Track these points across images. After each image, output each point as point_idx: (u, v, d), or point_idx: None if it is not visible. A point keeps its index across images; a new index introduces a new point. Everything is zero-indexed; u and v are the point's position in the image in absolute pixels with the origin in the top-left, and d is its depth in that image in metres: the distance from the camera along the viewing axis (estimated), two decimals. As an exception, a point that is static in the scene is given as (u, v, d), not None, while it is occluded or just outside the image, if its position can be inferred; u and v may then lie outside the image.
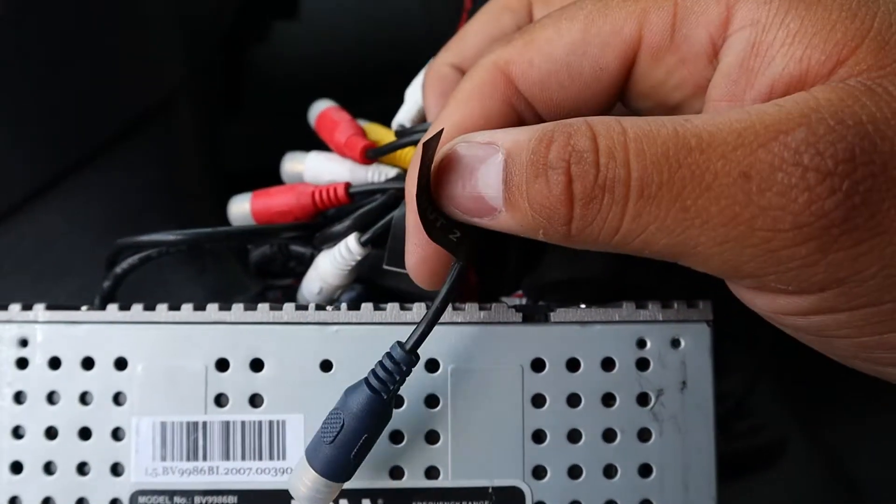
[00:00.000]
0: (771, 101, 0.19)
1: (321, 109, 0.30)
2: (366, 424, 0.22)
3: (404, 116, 0.29)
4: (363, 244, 0.26)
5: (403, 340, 0.22)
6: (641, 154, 0.18)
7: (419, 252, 0.23)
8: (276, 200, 0.28)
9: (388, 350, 0.22)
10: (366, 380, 0.22)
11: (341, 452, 0.22)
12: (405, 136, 0.27)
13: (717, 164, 0.18)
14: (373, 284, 0.28)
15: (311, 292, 0.27)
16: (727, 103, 0.20)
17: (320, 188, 0.27)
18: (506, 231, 0.20)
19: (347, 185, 0.27)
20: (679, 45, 0.21)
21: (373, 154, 0.28)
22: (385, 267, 0.25)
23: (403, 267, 0.23)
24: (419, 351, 0.22)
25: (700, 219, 0.18)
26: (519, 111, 0.23)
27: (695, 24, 0.21)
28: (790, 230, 0.18)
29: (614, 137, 0.18)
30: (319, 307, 0.25)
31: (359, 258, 0.26)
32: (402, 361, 0.22)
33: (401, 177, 0.28)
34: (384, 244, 0.26)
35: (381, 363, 0.22)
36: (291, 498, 0.24)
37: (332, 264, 0.27)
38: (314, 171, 0.29)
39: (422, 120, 0.29)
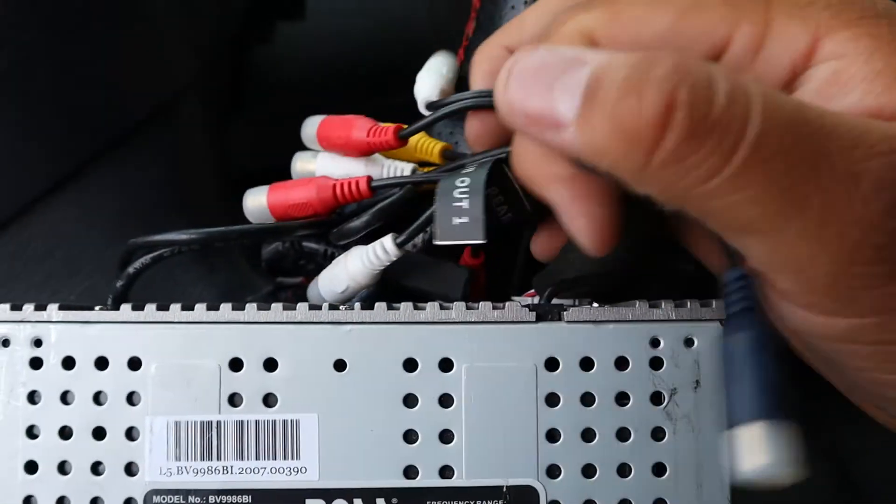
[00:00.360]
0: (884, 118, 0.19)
1: (320, 120, 0.30)
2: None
3: (430, 91, 0.28)
4: (399, 245, 0.26)
5: None
6: (768, 111, 0.17)
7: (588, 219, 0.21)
8: (294, 194, 0.28)
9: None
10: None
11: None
12: (438, 109, 0.26)
13: (835, 155, 0.17)
14: (386, 284, 0.28)
15: (332, 291, 0.27)
16: None
17: (342, 181, 0.27)
18: (564, 152, 0.18)
19: (369, 179, 0.27)
20: (761, 62, 0.21)
21: (407, 133, 0.27)
22: (435, 243, 0.24)
23: (457, 238, 0.23)
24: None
25: (799, 204, 0.17)
26: None
27: (782, 46, 0.20)
28: (876, 247, 0.17)
29: (740, 84, 0.17)
30: (333, 307, 0.25)
31: (394, 258, 0.26)
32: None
33: (418, 171, 0.27)
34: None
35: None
36: (306, 497, 0.24)
37: (363, 264, 0.26)
38: (326, 170, 0.29)
39: (447, 93, 0.28)
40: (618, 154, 0.17)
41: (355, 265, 0.27)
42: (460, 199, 0.23)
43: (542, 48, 0.19)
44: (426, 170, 0.28)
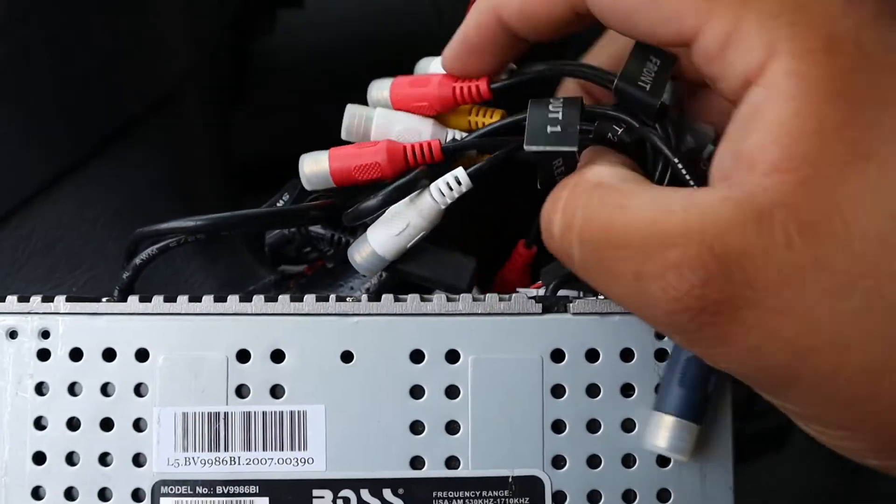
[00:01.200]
0: (694, 200, 0.21)
1: (391, 81, 0.28)
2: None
3: None
4: (471, 176, 0.26)
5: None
6: (581, 243, 0.22)
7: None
8: (363, 157, 0.26)
9: None
10: None
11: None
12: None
13: (623, 264, 0.21)
14: (392, 272, 0.27)
15: (387, 234, 0.26)
16: (724, 163, 0.22)
17: (412, 144, 0.26)
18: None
19: (440, 143, 0.26)
20: (725, 63, 0.21)
21: (498, 86, 0.26)
22: (526, 147, 0.24)
23: (548, 144, 0.24)
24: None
25: (618, 297, 0.22)
26: None
27: (741, 55, 0.21)
28: (663, 326, 0.23)
29: (569, 216, 0.22)
30: (340, 298, 0.25)
31: (464, 191, 0.26)
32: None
33: (491, 132, 0.26)
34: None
35: None
36: (313, 488, 0.25)
37: (432, 199, 0.26)
38: (383, 129, 0.27)
39: None
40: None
41: (424, 201, 0.26)
42: (555, 111, 0.25)
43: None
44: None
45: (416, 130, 0.27)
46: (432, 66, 0.28)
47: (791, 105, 0.20)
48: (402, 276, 0.27)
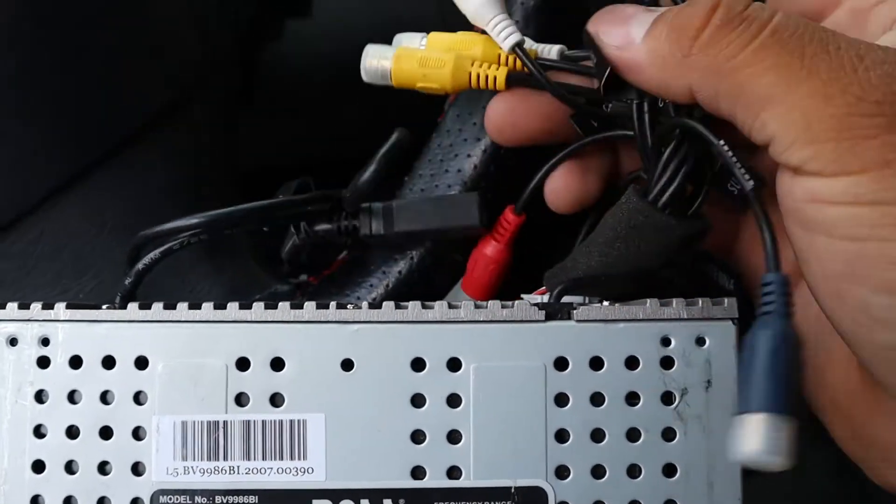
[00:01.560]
0: None
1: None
2: (789, 354, 0.21)
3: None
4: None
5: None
6: (787, 12, 0.22)
7: None
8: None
9: (762, 280, 0.22)
10: (773, 316, 0.21)
11: (787, 385, 0.21)
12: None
13: (842, 41, 0.21)
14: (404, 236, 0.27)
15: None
16: None
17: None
18: (626, 69, 0.25)
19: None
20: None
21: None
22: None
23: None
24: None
25: (809, 69, 0.21)
26: None
27: None
28: (875, 103, 0.21)
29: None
30: (340, 305, 0.25)
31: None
32: (786, 282, 0.21)
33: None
34: None
35: (766, 290, 0.21)
36: (312, 498, 0.24)
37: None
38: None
39: None
40: (669, 48, 0.23)
41: None
42: None
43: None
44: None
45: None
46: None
47: None
48: (415, 239, 0.26)
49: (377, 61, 0.27)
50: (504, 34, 0.26)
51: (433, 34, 0.28)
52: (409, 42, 0.28)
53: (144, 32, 0.36)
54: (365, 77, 0.28)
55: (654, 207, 0.25)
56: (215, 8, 0.42)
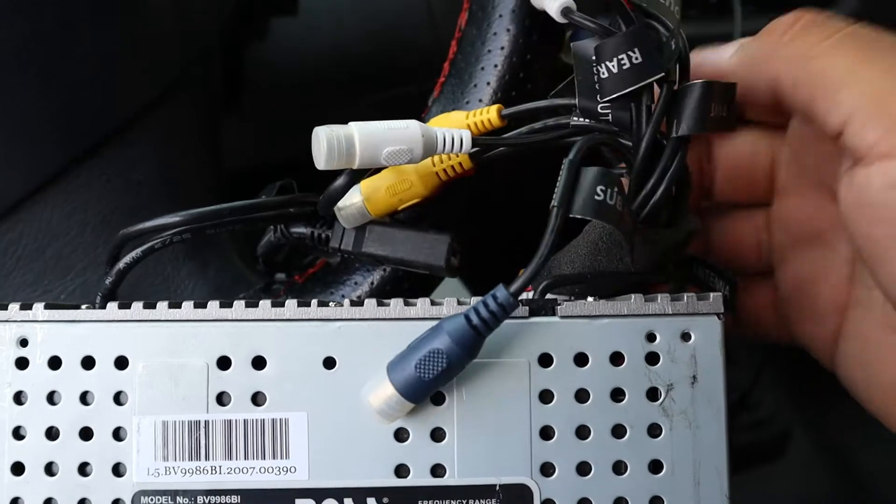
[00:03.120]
0: None
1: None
2: (456, 355, 0.23)
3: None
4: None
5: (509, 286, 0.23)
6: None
7: None
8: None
9: (493, 291, 0.23)
10: (465, 315, 0.23)
11: (423, 375, 0.23)
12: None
13: None
14: (370, 257, 0.27)
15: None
16: None
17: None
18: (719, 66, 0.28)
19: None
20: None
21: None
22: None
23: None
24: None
25: (880, 56, 0.24)
26: None
27: None
28: None
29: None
30: (322, 303, 0.25)
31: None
32: (505, 304, 0.22)
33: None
34: None
35: (484, 302, 0.23)
36: (295, 497, 0.24)
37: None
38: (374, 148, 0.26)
39: None
40: (759, 46, 0.27)
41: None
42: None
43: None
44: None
45: (407, 149, 0.25)
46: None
47: None
48: (379, 262, 0.26)
49: (350, 206, 0.27)
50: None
51: (364, 186, 0.27)
52: (349, 201, 0.27)
53: (127, 30, 0.36)
54: (346, 225, 0.28)
55: (636, 221, 0.25)
56: (200, 5, 0.42)
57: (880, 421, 0.27)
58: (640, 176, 0.25)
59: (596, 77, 0.25)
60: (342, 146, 0.24)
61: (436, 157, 0.27)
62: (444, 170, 0.27)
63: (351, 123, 0.24)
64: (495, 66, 0.30)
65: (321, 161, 0.24)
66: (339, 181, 0.26)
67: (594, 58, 0.25)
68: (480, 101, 0.30)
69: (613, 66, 0.25)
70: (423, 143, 0.25)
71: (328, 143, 0.24)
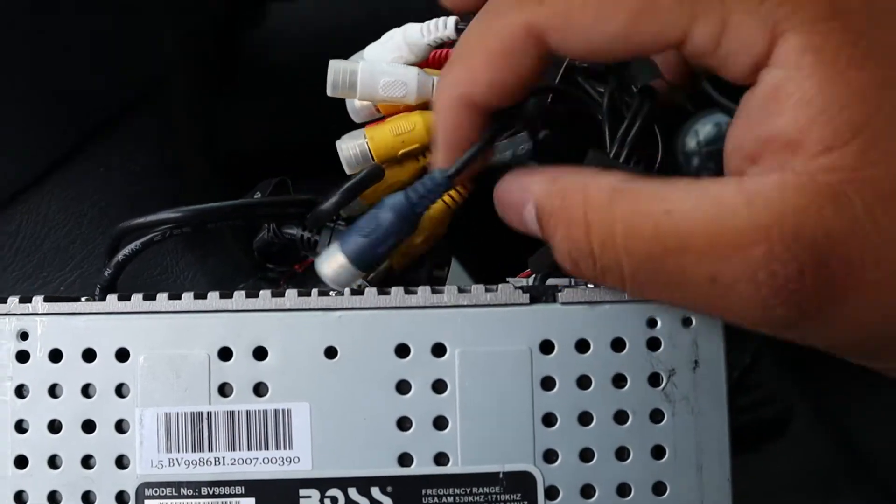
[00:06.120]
0: (749, 191, 0.20)
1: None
2: (395, 226, 0.24)
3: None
4: (458, 29, 0.27)
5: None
6: (630, 254, 0.21)
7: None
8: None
9: (431, 172, 0.24)
10: (405, 191, 0.24)
11: (370, 245, 0.24)
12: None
13: (691, 268, 0.21)
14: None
15: (380, 61, 0.27)
16: (735, 158, 0.22)
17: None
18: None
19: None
20: (721, 58, 0.21)
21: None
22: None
23: None
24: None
25: (685, 302, 0.22)
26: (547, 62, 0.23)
27: (739, 45, 0.20)
28: (755, 325, 0.21)
29: (606, 232, 0.21)
30: (322, 293, 0.24)
31: (448, 37, 0.27)
32: (440, 183, 0.24)
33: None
34: None
35: (421, 181, 0.24)
36: (299, 487, 0.24)
37: (422, 34, 0.27)
38: (373, 82, 0.28)
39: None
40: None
41: (413, 32, 0.28)
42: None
43: (506, 182, 0.24)
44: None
45: (402, 82, 0.27)
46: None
47: (815, 80, 0.19)
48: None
49: (353, 147, 0.28)
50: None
51: (368, 129, 0.28)
52: (352, 140, 0.28)
53: (122, 17, 0.36)
54: (347, 170, 0.28)
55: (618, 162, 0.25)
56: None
57: None
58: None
59: None
60: (346, 76, 0.27)
61: None
62: None
63: (360, 60, 0.28)
64: None
65: (328, 88, 0.27)
66: (328, 203, 0.26)
67: None
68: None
69: None
70: (417, 81, 0.27)
71: (334, 72, 0.27)
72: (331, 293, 0.25)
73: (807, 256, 0.19)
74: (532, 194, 0.23)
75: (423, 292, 0.24)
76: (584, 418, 0.24)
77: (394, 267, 0.28)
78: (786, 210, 0.19)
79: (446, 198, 0.28)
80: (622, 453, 0.24)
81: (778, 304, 0.20)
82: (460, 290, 0.24)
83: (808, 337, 0.21)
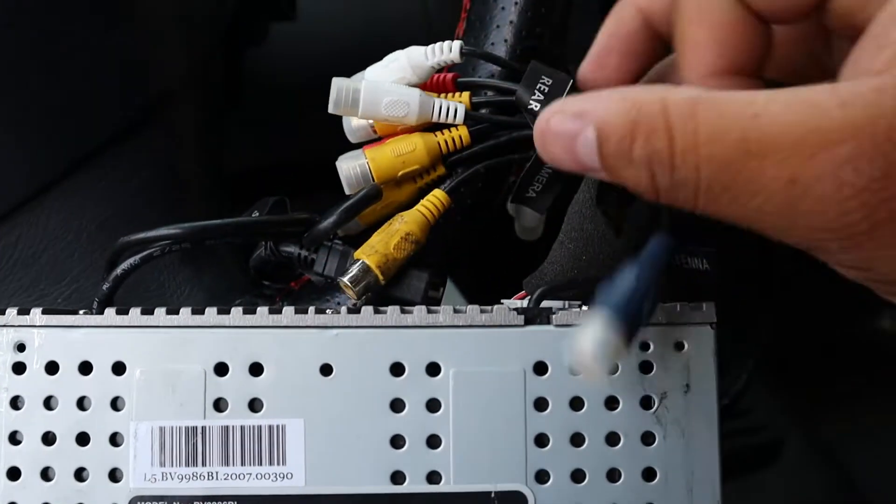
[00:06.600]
0: (843, 93, 0.20)
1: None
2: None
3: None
4: (462, 52, 0.28)
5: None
6: (710, 160, 0.20)
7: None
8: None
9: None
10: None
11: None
12: None
13: (771, 171, 0.20)
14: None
15: (382, 86, 0.27)
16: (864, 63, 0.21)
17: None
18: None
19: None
20: None
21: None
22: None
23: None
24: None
25: (756, 212, 0.21)
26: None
27: None
28: (823, 231, 0.20)
29: (688, 139, 0.20)
30: (319, 311, 0.25)
31: (452, 61, 0.28)
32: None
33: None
34: None
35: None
36: (292, 503, 0.24)
37: (426, 57, 0.27)
38: (375, 101, 0.28)
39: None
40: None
41: (417, 55, 0.28)
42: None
43: (554, 115, 0.23)
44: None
45: (405, 102, 0.27)
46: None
47: None
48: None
49: (354, 167, 0.28)
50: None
51: (368, 150, 0.28)
52: (352, 161, 0.28)
53: (127, 34, 0.36)
54: (347, 189, 0.28)
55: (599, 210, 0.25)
56: (199, 9, 0.42)
57: None
58: None
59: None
60: (348, 94, 0.27)
61: (438, 133, 0.28)
62: (446, 141, 0.28)
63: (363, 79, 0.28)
64: (515, 3, 0.30)
65: (330, 105, 0.27)
66: (326, 223, 0.26)
67: None
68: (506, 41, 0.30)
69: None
70: (419, 102, 0.27)
71: (337, 90, 0.27)
72: (327, 311, 0.25)
73: (894, 153, 0.19)
74: (593, 117, 0.22)
75: (419, 312, 0.25)
76: (577, 439, 0.24)
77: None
78: (881, 112, 0.19)
79: (440, 139, 0.28)
80: (613, 475, 0.24)
81: (855, 208, 0.19)
82: (455, 311, 0.25)
83: (864, 260, 0.21)
